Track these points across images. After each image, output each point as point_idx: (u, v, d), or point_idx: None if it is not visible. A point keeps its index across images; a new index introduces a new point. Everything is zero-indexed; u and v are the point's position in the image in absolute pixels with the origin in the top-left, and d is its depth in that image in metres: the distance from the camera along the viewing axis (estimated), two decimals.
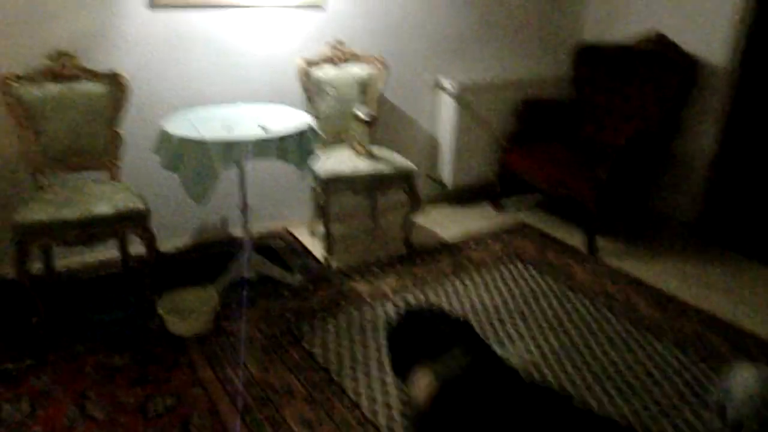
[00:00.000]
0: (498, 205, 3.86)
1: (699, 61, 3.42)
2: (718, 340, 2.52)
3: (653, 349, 2.45)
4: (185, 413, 2.03)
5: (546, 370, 2.29)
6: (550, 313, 2.69)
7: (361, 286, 2.85)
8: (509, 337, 2.50)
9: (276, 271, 2.89)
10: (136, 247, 2.88)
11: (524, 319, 2.63)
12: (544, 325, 2.60)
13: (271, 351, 2.36)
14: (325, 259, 3.08)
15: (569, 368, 2.31)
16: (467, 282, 2.92)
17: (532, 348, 2.42)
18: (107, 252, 3.02)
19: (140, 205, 2.52)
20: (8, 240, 2.72)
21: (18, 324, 2.49)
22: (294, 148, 2.50)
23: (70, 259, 2.96)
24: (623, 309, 2.74)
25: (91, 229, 2.43)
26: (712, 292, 2.94)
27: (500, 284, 2.92)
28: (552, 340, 2.49)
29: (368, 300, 2.74)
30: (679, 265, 3.20)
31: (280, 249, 3.21)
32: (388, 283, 2.89)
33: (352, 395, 2.12)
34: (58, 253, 2.82)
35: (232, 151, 2.38)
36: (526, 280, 2.98)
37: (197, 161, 2.38)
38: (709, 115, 3.48)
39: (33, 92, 2.57)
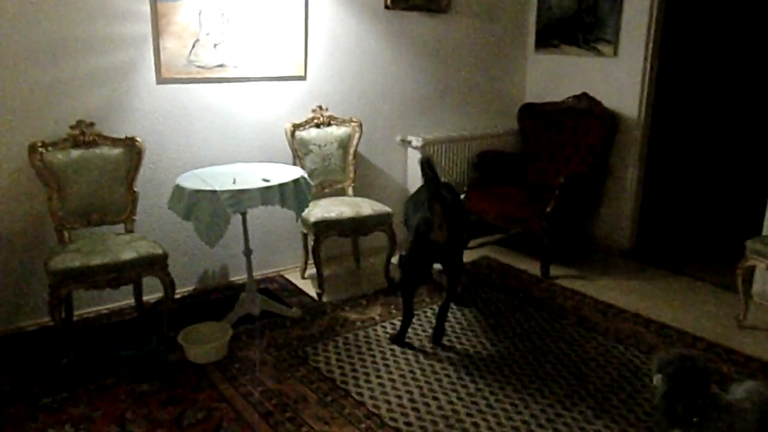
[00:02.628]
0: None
1: (618, 115, 4.14)
2: (649, 335, 3.07)
3: (597, 343, 2.98)
4: (216, 421, 2.37)
5: (513, 364, 2.74)
6: (513, 322, 3.18)
7: (352, 315, 3.26)
8: (481, 343, 2.94)
9: (277, 307, 3.27)
10: (147, 294, 3.25)
11: (493, 329, 3.09)
12: (509, 332, 3.07)
13: (283, 369, 2.72)
14: (318, 295, 3.49)
15: (531, 360, 2.80)
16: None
17: (502, 349, 2.88)
18: (118, 302, 3.32)
19: (160, 251, 2.90)
20: (33, 292, 3.06)
21: (49, 366, 2.76)
22: (292, 195, 2.96)
23: (84, 309, 3.25)
24: (573, 316, 3.26)
25: (117, 273, 2.79)
26: (645, 299, 3.51)
27: (471, 305, 3.39)
28: (517, 343, 2.97)
29: (359, 325, 3.15)
30: (618, 282, 3.77)
31: (276, 290, 3.60)
32: (375, 311, 3.31)
33: (356, 396, 2.51)
34: (75, 304, 3.13)
35: (240, 199, 2.82)
36: (491, 300, 3.46)
37: (209, 210, 2.79)
38: (631, 158, 4.17)
39: (58, 157, 2.95)
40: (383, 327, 3.13)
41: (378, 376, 2.67)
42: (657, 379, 2.03)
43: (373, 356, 2.84)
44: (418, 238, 2.86)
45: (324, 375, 2.67)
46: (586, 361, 2.81)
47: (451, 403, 2.48)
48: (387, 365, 2.76)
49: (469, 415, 2.41)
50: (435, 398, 2.51)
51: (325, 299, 3.47)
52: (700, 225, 4.88)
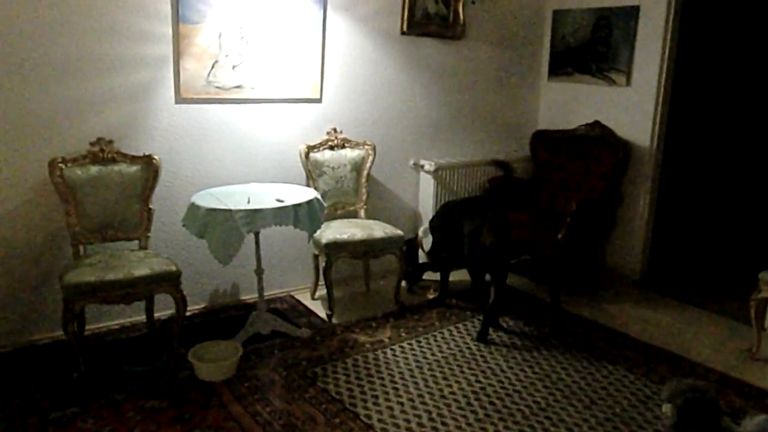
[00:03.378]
0: None
1: (630, 143, 4.15)
2: (660, 365, 3.05)
3: (608, 371, 2.95)
4: None
5: (522, 391, 2.72)
6: (524, 350, 3.16)
7: (362, 337, 3.26)
8: (490, 369, 2.92)
9: (287, 327, 3.28)
10: (159, 311, 3.27)
11: (503, 356, 3.07)
12: (519, 359, 3.05)
13: (292, 390, 2.72)
14: (328, 316, 3.49)
15: (541, 388, 2.78)
16: (452, 329, 3.37)
17: (510, 375, 2.86)
18: (130, 318, 3.35)
19: (173, 268, 2.92)
20: (47, 305, 3.09)
21: (60, 379, 2.77)
22: (305, 216, 2.99)
23: (96, 324, 3.27)
24: (583, 344, 3.24)
25: (131, 289, 2.81)
26: (656, 329, 3.48)
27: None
28: (526, 369, 2.95)
29: (369, 347, 3.15)
30: (629, 311, 3.75)
31: (286, 310, 3.61)
32: (384, 334, 3.31)
33: (364, 419, 2.50)
34: (87, 318, 3.16)
35: (255, 219, 2.85)
36: (503, 326, 3.44)
37: (223, 229, 2.83)
38: (642, 186, 4.18)
39: (77, 173, 3.00)
40: (392, 350, 3.13)
41: (387, 399, 2.66)
42: (667, 407, 2.02)
43: (383, 379, 2.83)
44: (471, 242, 3.29)
45: (332, 396, 2.67)
46: (596, 390, 2.78)
47: (459, 428, 2.47)
48: (396, 388, 2.75)
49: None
50: (444, 423, 2.50)
51: (335, 321, 3.48)
52: (713, 255, 4.85)
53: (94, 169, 3.05)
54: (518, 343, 3.24)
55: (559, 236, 3.72)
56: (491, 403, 2.65)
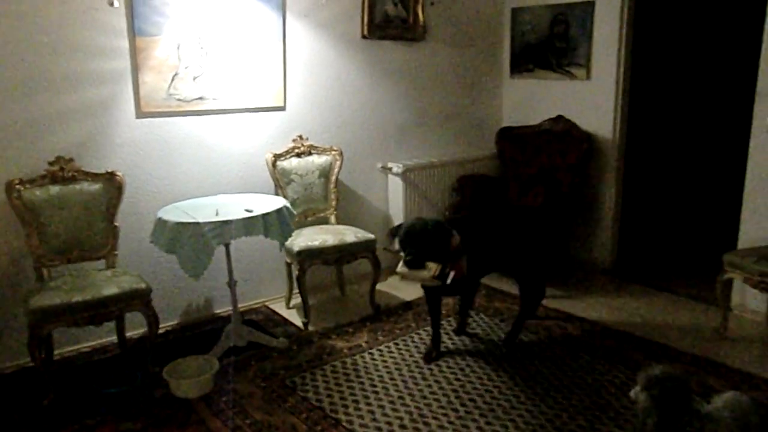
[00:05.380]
0: None
1: (594, 135, 4.23)
2: (633, 350, 3.10)
3: (585, 362, 2.99)
4: None
5: (501, 386, 2.74)
6: (499, 344, 3.18)
7: (340, 343, 3.25)
8: (469, 366, 2.94)
9: (263, 338, 3.24)
10: (130, 330, 3.20)
11: (480, 352, 3.09)
12: (496, 353, 3.08)
13: (271, 400, 2.69)
14: (304, 324, 3.46)
15: (519, 381, 2.80)
16: (429, 330, 3.37)
17: (489, 371, 2.88)
18: (100, 339, 3.27)
19: (143, 285, 2.87)
20: (11, 332, 2.99)
21: (29, 408, 2.68)
22: (275, 225, 2.96)
23: (65, 348, 3.18)
24: (558, 335, 3.28)
25: (100, 310, 2.75)
26: (628, 316, 3.55)
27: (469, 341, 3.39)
28: (505, 364, 2.97)
29: (347, 353, 3.13)
30: (602, 300, 3.81)
31: (261, 321, 3.57)
32: (362, 338, 3.30)
33: (346, 425, 2.48)
34: (55, 342, 3.07)
35: (224, 230, 2.81)
36: (478, 323, 3.47)
37: (193, 243, 2.78)
38: (608, 177, 4.26)
39: (36, 194, 2.92)
40: (371, 353, 3.12)
41: (367, 403, 2.65)
42: (637, 393, 2.06)
43: (362, 383, 2.82)
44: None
45: (313, 404, 2.64)
46: (574, 380, 2.82)
47: (441, 427, 2.47)
48: (376, 392, 2.74)
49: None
50: (425, 423, 2.49)
51: (311, 328, 3.45)
52: (679, 240, 4.97)
53: (54, 189, 2.97)
54: (495, 339, 3.27)
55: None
56: (471, 399, 2.66)
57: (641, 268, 4.38)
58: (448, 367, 2.96)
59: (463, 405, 2.62)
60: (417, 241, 2.63)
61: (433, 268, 2.60)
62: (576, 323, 3.45)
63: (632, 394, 2.11)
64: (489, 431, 2.44)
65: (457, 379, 2.85)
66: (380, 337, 3.30)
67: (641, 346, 3.16)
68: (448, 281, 2.64)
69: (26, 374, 2.92)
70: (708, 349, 3.12)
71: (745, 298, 3.51)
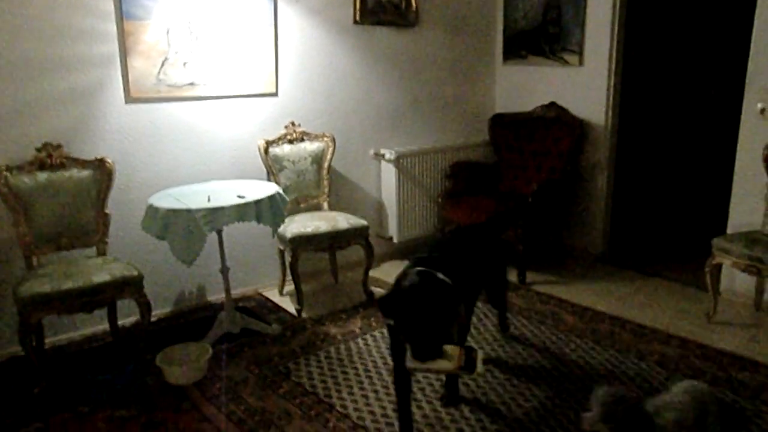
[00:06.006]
0: None
1: (586, 122, 4.24)
2: (625, 334, 3.13)
3: (576, 346, 3.02)
4: None
5: (495, 369, 2.76)
6: (494, 330, 3.20)
7: (333, 329, 3.25)
8: None
9: (256, 324, 3.24)
10: (122, 318, 3.19)
11: (472, 336, 3.11)
12: (489, 337, 3.09)
13: (265, 386, 2.69)
14: (298, 311, 3.46)
15: (512, 365, 2.83)
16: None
17: (483, 356, 2.90)
18: (92, 328, 3.25)
19: (135, 273, 2.85)
20: (2, 322, 2.97)
21: (20, 396, 2.66)
22: (268, 211, 2.95)
23: (57, 337, 3.16)
24: (551, 321, 3.31)
25: (91, 297, 2.73)
26: (619, 301, 3.58)
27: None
28: (497, 349, 2.99)
29: (340, 339, 3.14)
30: (593, 285, 3.84)
31: (254, 308, 3.57)
32: (355, 324, 3.31)
33: (340, 409, 2.49)
34: (47, 331, 3.05)
35: (216, 217, 2.79)
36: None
37: (185, 229, 2.77)
38: (600, 164, 4.27)
39: (24, 181, 2.88)
40: (364, 339, 3.12)
41: (361, 388, 2.66)
42: (594, 423, 1.93)
43: (356, 369, 2.83)
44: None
45: (307, 390, 2.65)
46: (566, 363, 2.85)
47: (435, 410, 2.49)
48: (370, 377, 2.75)
49: (453, 421, 2.41)
50: (419, 407, 2.51)
51: (304, 315, 3.45)
52: (670, 226, 5.01)
53: (42, 176, 2.93)
54: (487, 324, 3.28)
55: (522, 217, 3.78)
56: (464, 383, 2.68)
57: (633, 254, 4.41)
58: None
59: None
60: (423, 321, 1.96)
61: (455, 354, 1.96)
62: (568, 308, 3.48)
63: (587, 423, 1.97)
64: (480, 414, 2.45)
65: None
66: (374, 323, 3.31)
67: (632, 330, 3.19)
68: (479, 369, 1.96)
69: (17, 363, 2.90)
70: (697, 333, 3.15)
71: (734, 282, 3.55)
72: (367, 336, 3.16)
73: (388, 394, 2.61)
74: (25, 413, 2.53)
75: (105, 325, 3.18)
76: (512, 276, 3.93)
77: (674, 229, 4.95)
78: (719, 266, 3.26)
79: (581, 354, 2.94)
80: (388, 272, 4.06)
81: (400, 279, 2.14)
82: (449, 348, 1.98)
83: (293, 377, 2.76)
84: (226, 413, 2.50)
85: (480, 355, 2.02)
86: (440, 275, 2.07)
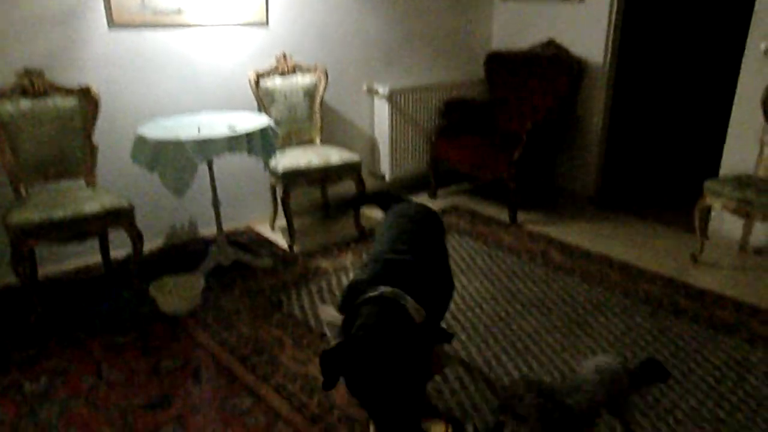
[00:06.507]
0: (433, 194, 4.41)
1: (584, 62, 4.16)
2: (612, 273, 3.19)
3: (564, 283, 3.07)
4: (193, 368, 2.38)
5: (483, 304, 2.82)
6: (484, 266, 3.25)
7: (324, 263, 3.28)
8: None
9: (248, 257, 3.26)
10: (114, 250, 3.18)
11: (463, 272, 3.16)
12: (479, 274, 3.14)
13: (258, 316, 2.73)
14: (289, 245, 3.48)
15: (502, 301, 2.88)
16: None
17: (471, 290, 2.95)
18: (85, 259, 3.25)
19: (125, 204, 2.82)
20: None
21: (17, 324, 2.69)
22: (259, 143, 2.90)
23: (50, 267, 3.17)
24: (541, 259, 3.35)
25: (81, 227, 2.71)
26: (608, 241, 3.63)
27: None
28: (486, 284, 3.04)
29: (332, 272, 3.17)
30: (583, 226, 3.88)
31: (246, 242, 3.58)
32: (346, 259, 3.34)
33: None
34: (39, 262, 3.05)
35: (206, 148, 2.75)
36: (462, 246, 3.52)
37: (175, 160, 2.73)
38: (596, 105, 4.22)
39: (6, 107, 2.80)
40: (355, 272, 3.16)
41: None
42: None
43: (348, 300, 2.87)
44: None
45: (298, 320, 2.70)
46: (553, 299, 2.91)
47: None
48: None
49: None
50: None
51: (296, 249, 3.47)
52: (662, 169, 5.02)
53: (25, 104, 2.85)
54: (478, 261, 3.33)
55: (515, 156, 3.76)
56: (453, 317, 2.74)
57: (624, 196, 4.43)
58: None
59: (444, 321, 2.69)
60: (390, 390, 1.38)
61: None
62: (557, 247, 3.53)
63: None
64: (470, 345, 2.52)
65: None
66: (364, 257, 3.34)
67: (619, 269, 3.25)
68: None
69: (12, 293, 2.92)
70: (683, 273, 3.22)
71: (722, 224, 3.59)
72: (358, 269, 3.19)
73: None
74: (22, 340, 2.56)
75: (97, 258, 3.18)
76: (503, 215, 3.96)
77: (666, 172, 4.96)
78: (709, 208, 3.29)
79: (568, 290, 3.00)
80: (379, 211, 4.06)
81: (350, 315, 1.52)
82: (432, 426, 1.55)
83: (285, 308, 2.80)
84: (219, 341, 2.54)
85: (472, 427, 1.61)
86: (409, 303, 1.46)
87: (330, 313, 1.60)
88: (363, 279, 1.67)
